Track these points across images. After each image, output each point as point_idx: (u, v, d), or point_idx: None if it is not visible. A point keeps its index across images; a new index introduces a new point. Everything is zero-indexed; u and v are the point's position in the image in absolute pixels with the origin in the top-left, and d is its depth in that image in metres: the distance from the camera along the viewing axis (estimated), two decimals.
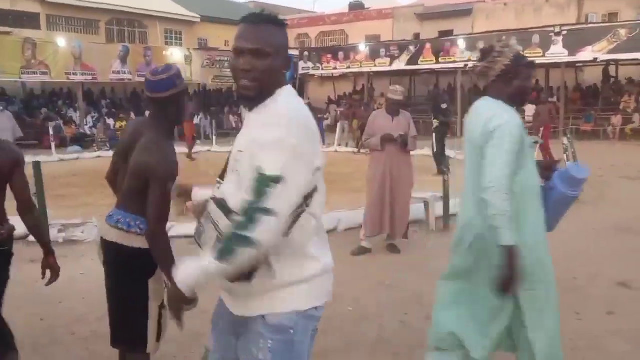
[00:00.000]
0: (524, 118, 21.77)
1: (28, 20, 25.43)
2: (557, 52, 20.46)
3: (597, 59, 20.82)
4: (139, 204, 2.48)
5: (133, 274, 2.58)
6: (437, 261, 5.62)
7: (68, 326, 4.18)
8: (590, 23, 23.90)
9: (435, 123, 11.76)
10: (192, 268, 1.64)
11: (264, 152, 1.58)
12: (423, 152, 14.31)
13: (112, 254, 2.63)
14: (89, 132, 21.28)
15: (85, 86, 23.27)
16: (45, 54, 20.62)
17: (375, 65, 25.34)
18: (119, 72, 22.83)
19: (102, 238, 2.71)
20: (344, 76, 29.53)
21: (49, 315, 4.40)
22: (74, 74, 21.51)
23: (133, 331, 2.64)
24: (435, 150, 11.62)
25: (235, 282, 1.66)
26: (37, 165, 5.88)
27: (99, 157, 17.44)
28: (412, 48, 24.33)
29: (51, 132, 17.88)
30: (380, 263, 5.64)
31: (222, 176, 1.83)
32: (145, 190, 2.44)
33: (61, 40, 21.38)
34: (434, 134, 11.68)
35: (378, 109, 8.46)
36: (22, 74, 20.26)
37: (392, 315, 4.22)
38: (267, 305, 1.70)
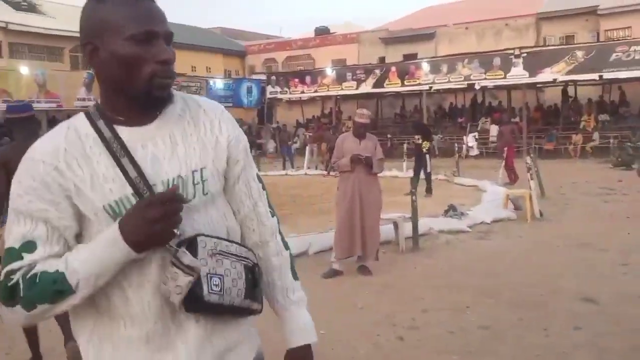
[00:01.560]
0: (488, 138, 22.42)
1: None
2: (518, 74, 21.10)
3: (556, 79, 21.56)
4: None
5: None
6: (408, 282, 5.72)
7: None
8: (549, 45, 24.74)
9: (426, 145, 11.98)
10: (307, 317, 1.45)
11: (248, 155, 1.40)
12: (393, 173, 14.62)
13: None
14: None
15: (49, 114, 22.92)
16: (7, 82, 20.35)
17: (342, 89, 25.69)
18: (84, 99, 22.57)
19: None
20: (311, 100, 29.79)
21: (14, 351, 4.27)
22: (37, 101, 21.18)
23: None
24: (428, 170, 11.91)
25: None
26: None
27: None
28: (377, 71, 24.77)
29: None
30: (351, 285, 5.67)
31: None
32: None
33: (24, 68, 21.15)
34: (427, 156, 11.93)
35: (346, 131, 8.60)
36: None
37: (365, 338, 4.24)
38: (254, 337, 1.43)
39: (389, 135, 24.40)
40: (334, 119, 27.00)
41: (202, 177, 1.26)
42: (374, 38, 31.85)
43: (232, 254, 1.24)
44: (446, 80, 22.98)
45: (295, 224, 8.46)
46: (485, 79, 22.03)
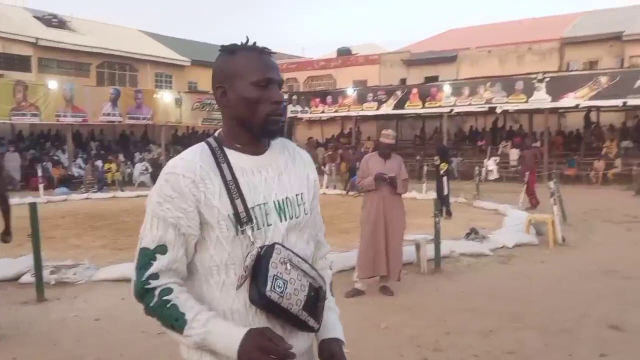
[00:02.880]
0: (508, 162, 22.32)
1: (19, 62, 25.70)
2: (540, 98, 21.04)
3: (579, 105, 21.43)
4: None
5: None
6: (430, 304, 5.71)
7: None
8: (573, 70, 24.66)
9: (444, 167, 11.99)
10: (340, 324, 1.66)
11: (318, 193, 1.72)
12: (413, 194, 14.60)
13: None
14: (76, 174, 21.26)
15: (74, 128, 23.37)
16: (36, 96, 20.79)
17: (362, 109, 25.82)
18: (109, 114, 23.03)
19: None
20: (331, 119, 29.99)
21: (44, 358, 4.35)
22: (64, 115, 21.65)
23: None
24: (446, 192, 11.91)
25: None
26: (33, 207, 5.87)
27: (87, 198, 17.43)
28: (399, 93, 24.88)
29: (39, 174, 17.82)
30: (374, 305, 5.68)
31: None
32: None
33: (53, 83, 21.59)
34: (444, 177, 11.95)
35: (365, 152, 8.66)
36: (11, 115, 20.33)
37: (389, 358, 4.25)
38: None
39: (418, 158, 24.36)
40: (354, 139, 27.12)
41: (302, 199, 1.58)
42: (396, 60, 32.03)
43: (301, 270, 1.45)
44: (467, 103, 22.99)
45: None
46: (507, 102, 22.00)
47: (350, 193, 17.19)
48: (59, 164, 21.39)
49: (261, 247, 1.42)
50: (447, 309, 5.49)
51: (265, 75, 1.48)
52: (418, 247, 7.16)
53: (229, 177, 1.45)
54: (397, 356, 4.28)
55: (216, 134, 1.56)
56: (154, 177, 21.73)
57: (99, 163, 21.70)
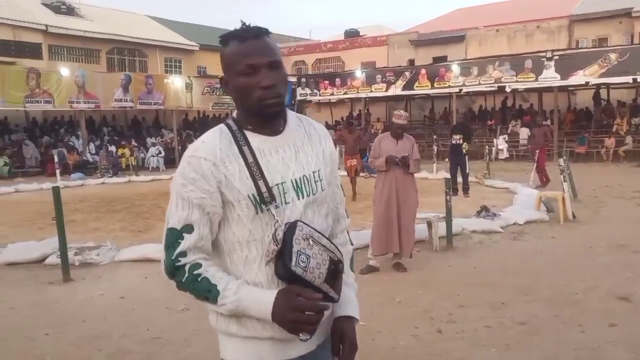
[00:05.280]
0: (518, 141, 22.30)
1: (30, 50, 25.84)
2: (550, 77, 20.94)
3: (588, 82, 21.33)
4: None
5: None
6: (443, 279, 5.88)
7: (93, 343, 4.34)
8: (581, 48, 24.48)
9: (466, 146, 12.12)
10: (356, 300, 1.71)
11: (337, 166, 1.74)
12: (424, 174, 14.70)
13: None
14: (91, 159, 21.54)
15: (86, 114, 23.58)
16: (49, 83, 20.95)
17: (371, 91, 25.81)
18: (120, 100, 23.17)
19: None
20: (340, 102, 29.98)
21: (72, 334, 4.56)
22: (77, 102, 21.84)
23: None
24: (467, 171, 12.13)
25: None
26: (56, 191, 6.07)
27: (103, 183, 17.70)
28: (407, 74, 24.83)
29: (56, 159, 18.10)
30: (388, 281, 5.86)
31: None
32: None
33: (65, 70, 21.74)
34: (466, 157, 12.11)
35: (375, 133, 8.74)
36: (26, 102, 20.54)
37: (404, 330, 4.42)
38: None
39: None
40: (363, 120, 27.16)
41: (319, 176, 1.63)
42: (404, 40, 31.90)
43: (321, 244, 1.52)
44: (476, 83, 22.93)
45: None
46: (517, 81, 21.91)
47: (362, 174, 17.29)
48: (73, 150, 21.67)
49: (285, 224, 1.49)
50: (460, 283, 5.66)
51: (247, 61, 1.49)
52: (430, 225, 7.32)
53: (250, 159, 1.51)
54: (411, 328, 4.45)
55: (234, 114, 1.63)
56: (167, 161, 22.13)
57: (112, 148, 21.95)
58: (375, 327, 4.44)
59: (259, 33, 1.53)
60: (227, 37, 1.55)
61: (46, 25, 26.30)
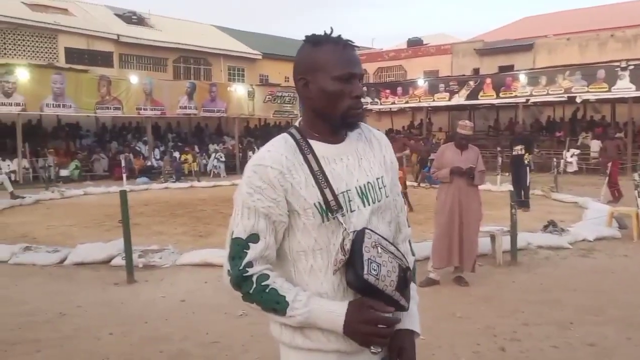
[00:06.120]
0: (588, 154, 21.41)
1: (102, 59, 27.01)
2: (624, 87, 20.03)
3: None
4: None
5: None
6: (506, 295, 5.65)
7: (155, 344, 4.42)
8: None
9: (528, 157, 11.82)
10: (417, 314, 1.65)
11: (398, 175, 1.72)
12: (487, 186, 14.31)
13: None
14: (155, 165, 22.24)
15: (152, 120, 24.39)
16: (119, 90, 21.84)
17: (434, 100, 25.45)
18: (185, 107, 23.88)
19: None
20: (401, 111, 29.73)
21: (135, 335, 4.66)
22: (144, 109, 22.64)
23: None
24: (527, 183, 11.82)
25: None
26: (124, 195, 6.26)
27: (166, 188, 18.22)
28: (471, 83, 24.34)
29: (123, 164, 18.78)
30: (448, 295, 5.70)
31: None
32: None
33: (134, 77, 22.60)
34: (527, 168, 11.82)
35: (436, 143, 8.58)
36: (96, 108, 21.46)
37: (465, 346, 4.27)
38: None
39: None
40: (425, 130, 26.81)
41: (383, 183, 1.61)
42: (469, 49, 31.31)
43: (390, 252, 1.50)
44: (545, 93, 22.19)
45: None
46: (588, 92, 21.06)
47: (422, 185, 17.06)
48: (139, 155, 22.44)
49: (353, 232, 1.46)
50: (524, 300, 5.43)
51: (348, 69, 1.50)
52: (493, 238, 7.07)
53: (315, 167, 1.49)
54: (473, 345, 4.30)
55: (297, 123, 1.60)
56: (228, 168, 22.56)
57: (176, 154, 22.60)
58: (435, 341, 4.31)
59: (351, 43, 1.54)
60: (321, 39, 1.52)
61: (118, 35, 27.42)
